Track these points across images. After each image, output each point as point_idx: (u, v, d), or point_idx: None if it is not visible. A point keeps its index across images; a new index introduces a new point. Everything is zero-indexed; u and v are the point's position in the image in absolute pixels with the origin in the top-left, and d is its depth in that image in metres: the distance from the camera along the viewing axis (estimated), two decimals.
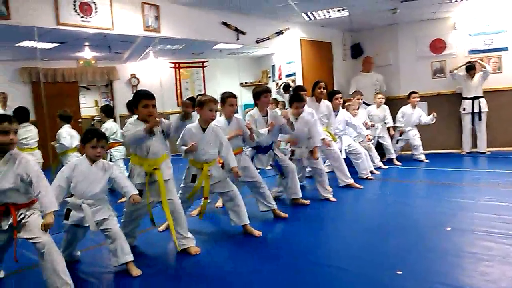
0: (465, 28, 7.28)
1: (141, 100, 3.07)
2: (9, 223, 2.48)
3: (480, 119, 6.95)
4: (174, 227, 3.12)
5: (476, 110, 6.95)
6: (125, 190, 2.88)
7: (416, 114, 6.67)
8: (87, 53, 6.13)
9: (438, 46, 7.51)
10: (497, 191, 4.48)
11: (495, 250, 2.81)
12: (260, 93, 4.05)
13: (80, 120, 5.65)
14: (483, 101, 6.94)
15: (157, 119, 3.00)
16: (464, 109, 7.08)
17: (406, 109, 6.74)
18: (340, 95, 5.28)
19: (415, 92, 6.77)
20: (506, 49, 7.09)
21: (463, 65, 7.04)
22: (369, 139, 5.85)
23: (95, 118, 6.31)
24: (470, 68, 6.92)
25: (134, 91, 5.26)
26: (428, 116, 6.58)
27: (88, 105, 6.54)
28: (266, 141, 4.04)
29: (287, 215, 3.92)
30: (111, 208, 2.93)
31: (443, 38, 7.46)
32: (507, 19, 7.01)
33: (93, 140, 2.82)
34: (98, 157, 2.86)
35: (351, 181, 5.01)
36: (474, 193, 4.47)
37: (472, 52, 7.30)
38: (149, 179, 3.06)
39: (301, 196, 4.31)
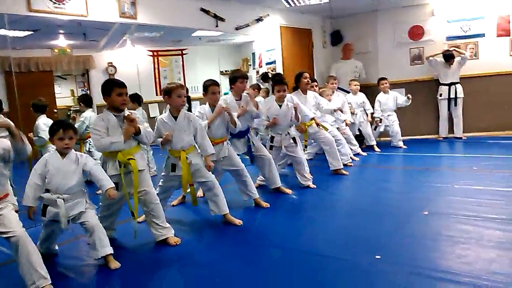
0: (443, 14, 7.34)
1: (114, 88, 3.00)
2: None
3: (456, 104, 7.07)
4: (151, 218, 3.11)
5: (452, 96, 7.07)
6: (101, 184, 2.79)
7: (391, 98, 6.74)
8: (61, 41, 5.97)
9: (416, 32, 7.56)
10: (473, 175, 4.58)
11: (471, 233, 2.87)
12: (237, 78, 4.08)
13: (55, 110, 5.53)
14: (459, 87, 7.05)
15: (131, 119, 2.98)
16: (440, 95, 7.18)
17: (380, 96, 6.81)
18: (307, 74, 5.08)
19: (384, 78, 6.83)
20: (483, 35, 7.17)
21: (439, 53, 7.12)
22: (347, 123, 5.88)
23: (71, 109, 6.19)
24: (449, 57, 7.00)
25: None
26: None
27: (63, 95, 6.40)
28: (242, 125, 4.01)
29: (268, 205, 3.92)
30: (89, 201, 2.87)
31: (421, 24, 7.51)
32: (484, 6, 7.09)
33: (59, 131, 2.72)
34: (66, 149, 2.75)
35: (341, 166, 5.03)
36: (450, 177, 4.56)
37: (449, 38, 7.38)
38: (124, 170, 3.00)
39: (280, 184, 4.32)
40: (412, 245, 2.78)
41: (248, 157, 4.27)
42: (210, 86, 3.78)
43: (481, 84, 7.14)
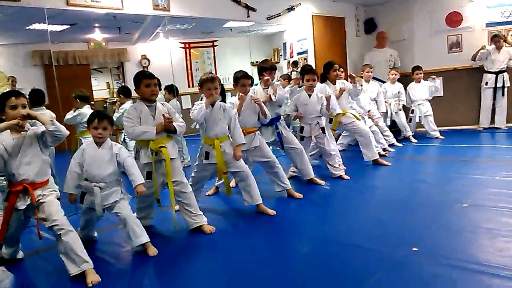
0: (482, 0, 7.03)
1: (142, 80, 3.08)
2: (27, 203, 2.52)
3: (503, 94, 6.74)
4: (184, 206, 3.17)
5: (499, 85, 6.73)
6: (132, 179, 2.84)
7: (424, 88, 6.52)
8: (97, 35, 6.11)
9: (454, 19, 7.27)
10: None
11: None
12: (265, 69, 4.14)
13: (93, 102, 5.67)
14: (506, 75, 6.71)
15: (168, 118, 3.07)
16: (486, 83, 6.84)
17: (411, 86, 6.62)
18: (337, 66, 4.96)
19: (418, 68, 6.61)
20: None
21: (479, 50, 6.81)
22: (369, 116, 5.73)
23: (107, 100, 6.34)
24: (496, 37, 6.67)
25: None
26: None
27: (100, 87, 6.55)
28: (270, 113, 4.01)
29: (301, 196, 3.91)
30: (124, 190, 2.95)
31: (459, 10, 7.20)
32: None
33: (95, 121, 2.82)
34: (100, 139, 2.83)
35: (376, 156, 4.94)
36: (490, 169, 4.39)
37: (489, 24, 7.05)
38: (155, 158, 3.06)
39: (313, 175, 4.29)
40: (450, 237, 2.71)
41: (278, 147, 4.27)
42: (241, 79, 3.81)
43: None
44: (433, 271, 2.26)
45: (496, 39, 6.67)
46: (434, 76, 6.43)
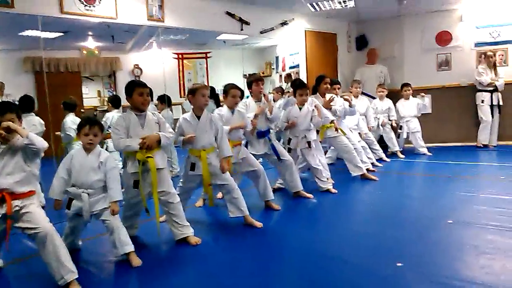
0: (471, 20, 7.19)
1: (135, 88, 3.08)
2: (2, 212, 2.46)
3: (499, 112, 6.85)
4: (171, 217, 3.15)
5: (495, 102, 6.83)
6: (109, 193, 2.81)
7: (412, 104, 6.62)
8: (90, 43, 6.13)
9: (444, 38, 7.43)
10: (500, 185, 4.46)
11: (497, 243, 2.79)
12: (252, 81, 4.16)
13: (82, 110, 5.67)
14: (499, 94, 6.84)
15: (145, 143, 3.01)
16: (482, 101, 6.90)
17: (400, 103, 6.73)
18: (328, 79, 5.01)
19: (407, 85, 6.73)
20: None
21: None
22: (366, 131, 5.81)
23: (97, 109, 6.32)
24: (486, 55, 6.82)
25: None
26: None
27: (90, 95, 6.55)
28: (261, 126, 4.05)
29: (279, 208, 3.94)
30: None
31: (449, 30, 7.38)
32: None
33: (85, 127, 2.82)
34: (90, 145, 2.83)
35: (363, 172, 4.98)
36: (476, 186, 4.45)
37: (478, 44, 7.22)
38: (143, 168, 3.04)
39: (301, 188, 4.30)
40: (435, 253, 2.72)
41: (268, 160, 4.28)
42: (231, 89, 3.84)
43: (506, 92, 6.88)
44: (417, 287, 2.27)
45: (489, 58, 6.80)
46: (423, 94, 6.53)
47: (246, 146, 4.07)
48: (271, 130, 4.31)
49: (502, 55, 7.07)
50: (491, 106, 6.89)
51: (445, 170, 5.42)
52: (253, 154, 4.00)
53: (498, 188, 4.26)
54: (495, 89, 6.82)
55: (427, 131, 6.84)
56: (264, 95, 4.11)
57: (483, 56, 6.99)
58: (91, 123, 2.84)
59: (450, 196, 4.09)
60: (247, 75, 6.89)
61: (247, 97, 4.48)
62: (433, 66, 7.54)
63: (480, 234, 2.99)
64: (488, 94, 6.86)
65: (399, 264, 2.53)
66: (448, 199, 3.99)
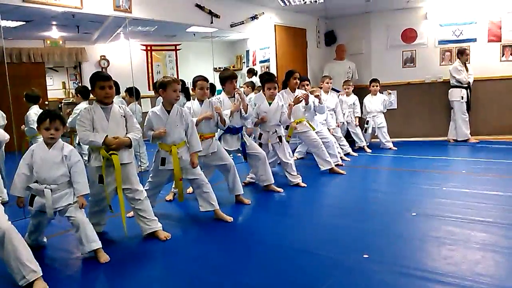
0: (436, 18, 7.42)
1: (96, 82, 3.01)
2: None
3: (469, 108, 7.02)
4: (138, 212, 3.12)
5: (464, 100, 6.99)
6: (75, 187, 2.76)
7: (378, 100, 6.78)
8: (54, 33, 5.90)
9: (409, 35, 7.63)
10: (462, 178, 4.66)
11: (458, 235, 2.92)
12: (226, 78, 4.10)
13: (47, 102, 5.46)
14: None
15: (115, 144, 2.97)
16: (462, 97, 7.00)
17: (367, 99, 6.88)
18: (297, 74, 5.05)
19: (375, 80, 6.88)
20: (474, 40, 7.27)
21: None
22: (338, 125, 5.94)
23: (63, 101, 6.12)
24: (462, 52, 6.97)
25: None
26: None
27: (55, 87, 6.32)
28: (236, 122, 4.05)
29: (249, 202, 3.96)
30: None
31: (414, 27, 7.58)
32: (476, 11, 7.19)
33: (46, 121, 2.71)
34: (51, 139, 2.73)
35: (331, 166, 5.06)
36: (439, 180, 4.61)
37: (441, 42, 7.46)
38: (106, 163, 2.98)
39: (273, 182, 4.34)
40: (399, 245, 2.82)
41: (240, 154, 4.28)
42: (198, 81, 3.81)
43: (472, 88, 7.16)
44: (382, 278, 2.34)
45: (463, 56, 6.97)
46: (390, 91, 6.70)
47: (219, 140, 4.06)
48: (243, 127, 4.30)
49: None
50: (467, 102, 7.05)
51: (410, 164, 5.60)
52: (226, 150, 3.99)
53: (459, 182, 4.45)
54: (468, 86, 7.03)
55: (393, 126, 7.03)
56: (239, 93, 4.08)
57: (448, 53, 7.22)
58: (52, 117, 2.73)
59: (414, 190, 4.23)
60: (221, 69, 6.87)
61: (219, 92, 4.46)
62: (399, 63, 7.74)
63: (442, 226, 3.12)
64: (465, 91, 7.03)
65: (366, 256, 2.61)
66: (412, 192, 4.13)
